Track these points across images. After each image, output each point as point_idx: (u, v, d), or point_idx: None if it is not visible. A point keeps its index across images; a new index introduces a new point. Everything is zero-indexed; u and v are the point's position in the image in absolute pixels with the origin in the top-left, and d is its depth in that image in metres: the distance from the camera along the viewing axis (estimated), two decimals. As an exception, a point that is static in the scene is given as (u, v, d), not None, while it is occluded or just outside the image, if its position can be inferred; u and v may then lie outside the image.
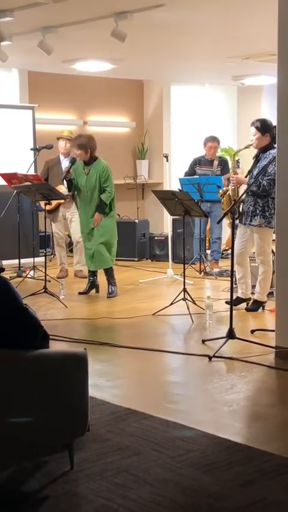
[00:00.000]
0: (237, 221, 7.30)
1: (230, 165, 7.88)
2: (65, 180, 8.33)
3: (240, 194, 7.32)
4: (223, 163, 10.28)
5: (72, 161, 8.20)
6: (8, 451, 3.39)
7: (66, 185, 8.38)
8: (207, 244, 10.67)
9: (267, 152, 7.06)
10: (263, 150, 7.13)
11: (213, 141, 10.35)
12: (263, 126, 7.11)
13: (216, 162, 10.25)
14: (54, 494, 3.32)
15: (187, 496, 3.32)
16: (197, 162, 10.31)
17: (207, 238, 10.63)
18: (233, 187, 7.48)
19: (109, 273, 8.28)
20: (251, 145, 7.21)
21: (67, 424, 3.45)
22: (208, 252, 10.52)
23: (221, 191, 8.23)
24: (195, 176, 9.99)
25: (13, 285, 3.58)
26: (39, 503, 3.27)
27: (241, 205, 7.23)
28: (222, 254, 10.74)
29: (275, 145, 6.93)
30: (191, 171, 10.28)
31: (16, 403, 3.35)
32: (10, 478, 3.51)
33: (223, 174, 9.87)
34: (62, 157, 9.59)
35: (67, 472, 3.53)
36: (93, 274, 8.42)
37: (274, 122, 6.37)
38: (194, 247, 10.30)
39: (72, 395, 3.44)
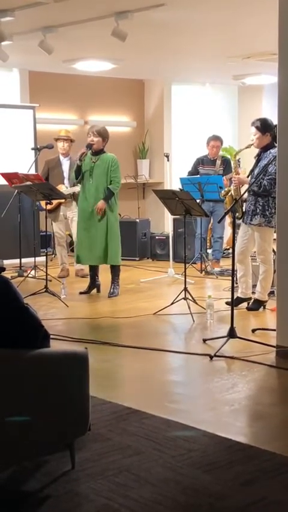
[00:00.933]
0: (239, 220, 7.32)
1: (232, 165, 7.87)
2: (76, 164, 8.27)
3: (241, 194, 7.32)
4: (226, 162, 10.28)
5: (89, 146, 8.13)
6: (9, 451, 3.39)
7: (75, 173, 8.30)
8: (208, 244, 10.66)
9: (268, 151, 7.06)
10: (264, 149, 7.14)
11: (215, 140, 10.35)
12: (263, 126, 7.12)
13: (219, 162, 10.26)
14: (55, 494, 3.32)
15: (188, 495, 3.32)
16: (200, 162, 10.32)
17: (208, 238, 10.62)
18: (235, 188, 7.48)
19: (116, 271, 8.28)
20: (251, 145, 7.21)
21: (68, 423, 3.45)
22: (210, 251, 10.51)
23: (223, 192, 8.23)
24: (196, 176, 9.99)
25: (14, 284, 3.58)
26: (40, 503, 3.27)
27: (244, 205, 7.24)
28: (224, 253, 10.73)
29: (276, 144, 6.95)
30: (195, 171, 10.29)
31: (17, 403, 3.35)
32: (11, 478, 3.51)
33: (226, 174, 9.87)
34: (61, 157, 9.59)
35: (68, 471, 3.53)
36: (94, 273, 8.42)
37: (275, 121, 6.37)
38: (195, 247, 10.30)
39: (73, 394, 3.44)
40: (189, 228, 9.73)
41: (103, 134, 8.13)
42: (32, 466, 3.60)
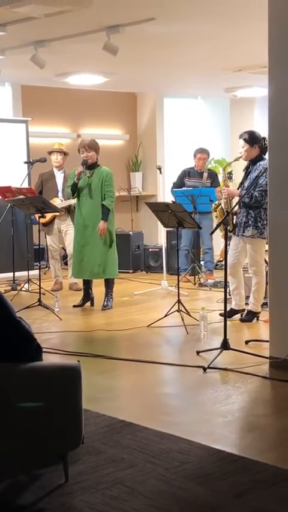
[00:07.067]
0: (230, 233, 7.34)
1: (221, 178, 7.89)
2: (73, 181, 8.28)
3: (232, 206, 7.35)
4: (213, 175, 10.32)
5: (84, 163, 8.14)
6: (2, 464, 3.39)
7: (71, 190, 8.30)
8: (201, 255, 10.65)
9: (257, 164, 7.09)
10: (252, 161, 7.17)
11: (202, 152, 10.37)
12: (251, 138, 7.16)
13: (205, 174, 10.26)
14: (49, 507, 3.32)
15: (182, 507, 3.32)
16: (187, 174, 10.31)
17: (201, 250, 10.61)
18: (225, 200, 7.51)
19: (110, 285, 8.28)
20: (240, 157, 7.24)
21: (61, 436, 3.45)
22: (202, 263, 10.50)
23: (213, 205, 8.24)
24: (188, 188, 9.99)
25: (6, 298, 3.59)
26: (34, 516, 3.27)
27: (235, 218, 7.26)
28: (217, 265, 10.73)
29: (265, 156, 6.99)
30: (180, 183, 10.27)
31: (9, 416, 3.35)
32: (5, 491, 3.50)
33: (213, 187, 9.89)
34: (55, 170, 9.61)
35: (62, 484, 3.52)
36: (88, 286, 8.42)
37: (266, 133, 6.39)
38: (179, 259, 10.15)
39: (65, 407, 3.44)
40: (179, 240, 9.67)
41: (95, 147, 8.14)
42: (26, 480, 3.60)
